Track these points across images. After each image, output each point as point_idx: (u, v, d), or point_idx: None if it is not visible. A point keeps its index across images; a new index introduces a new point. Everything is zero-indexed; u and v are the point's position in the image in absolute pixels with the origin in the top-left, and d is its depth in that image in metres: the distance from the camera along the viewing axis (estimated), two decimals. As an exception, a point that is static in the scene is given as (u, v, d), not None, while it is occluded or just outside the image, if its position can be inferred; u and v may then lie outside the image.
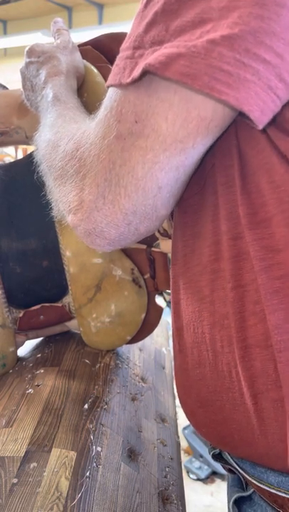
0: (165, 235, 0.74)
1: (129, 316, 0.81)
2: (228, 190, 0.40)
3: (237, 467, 0.47)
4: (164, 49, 0.34)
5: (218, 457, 0.51)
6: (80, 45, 0.70)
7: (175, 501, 0.66)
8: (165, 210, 0.41)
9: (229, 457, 0.48)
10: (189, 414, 0.48)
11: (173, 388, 1.00)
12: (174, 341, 0.48)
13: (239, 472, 0.47)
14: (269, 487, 0.42)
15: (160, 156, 0.37)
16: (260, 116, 0.34)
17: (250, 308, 0.38)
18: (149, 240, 0.78)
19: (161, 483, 0.67)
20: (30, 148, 0.80)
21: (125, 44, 0.38)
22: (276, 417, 0.38)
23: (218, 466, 1.79)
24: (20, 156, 3.83)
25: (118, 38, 0.69)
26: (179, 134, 0.36)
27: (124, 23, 3.01)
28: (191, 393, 0.46)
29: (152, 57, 0.34)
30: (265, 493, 0.43)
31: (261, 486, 0.43)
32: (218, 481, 1.79)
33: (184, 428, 1.92)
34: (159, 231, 0.74)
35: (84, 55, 0.69)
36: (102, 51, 0.70)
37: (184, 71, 0.33)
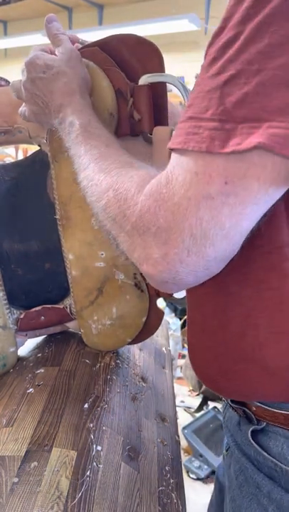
0: None
1: (130, 320, 0.81)
2: None
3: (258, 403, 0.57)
4: (271, 129, 0.37)
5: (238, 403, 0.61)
6: (86, 46, 0.67)
7: (175, 500, 0.67)
8: (237, 249, 0.44)
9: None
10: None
11: (173, 388, 1.00)
12: None
13: (252, 411, 0.58)
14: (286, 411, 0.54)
15: (248, 209, 0.40)
16: None
17: None
18: None
19: (161, 483, 0.68)
20: (31, 149, 0.78)
21: (204, 113, 0.40)
22: None
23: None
24: (20, 156, 3.83)
25: (127, 41, 0.66)
26: (268, 190, 0.39)
27: (124, 24, 3.01)
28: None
29: (264, 136, 0.37)
30: (280, 418, 0.55)
31: (280, 411, 0.54)
32: (218, 480, 1.79)
33: (184, 427, 1.92)
34: None
35: (91, 57, 0.65)
36: (110, 53, 0.66)
37: None
